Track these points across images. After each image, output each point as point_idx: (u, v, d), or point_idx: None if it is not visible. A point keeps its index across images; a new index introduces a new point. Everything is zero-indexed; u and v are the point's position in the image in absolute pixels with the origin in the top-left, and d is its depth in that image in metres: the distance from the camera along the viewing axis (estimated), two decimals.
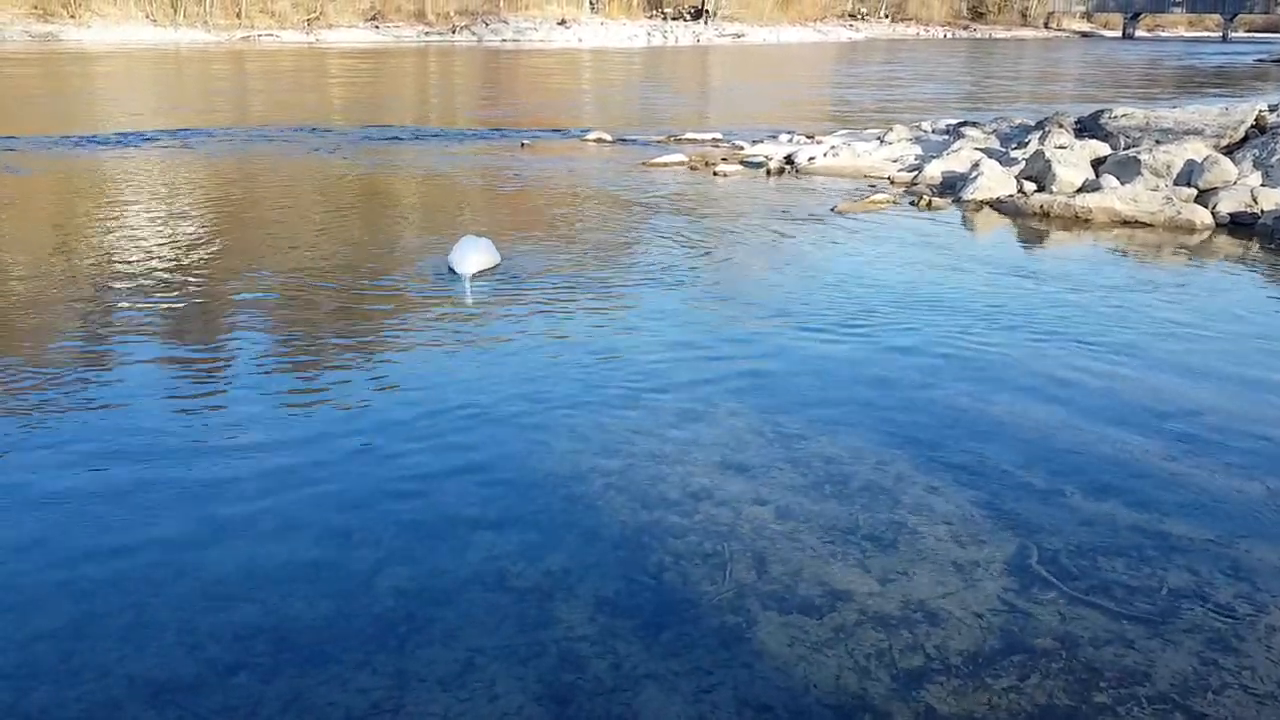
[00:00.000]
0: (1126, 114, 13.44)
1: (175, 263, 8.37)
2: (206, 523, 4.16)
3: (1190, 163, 11.11)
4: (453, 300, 7.41)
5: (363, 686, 3.18)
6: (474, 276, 7.81)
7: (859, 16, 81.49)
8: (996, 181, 11.57)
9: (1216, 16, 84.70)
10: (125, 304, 7.21)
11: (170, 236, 9.38)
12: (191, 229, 9.80)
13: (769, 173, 13.60)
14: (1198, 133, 12.24)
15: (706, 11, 68.41)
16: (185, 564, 3.85)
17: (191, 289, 7.62)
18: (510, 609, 3.59)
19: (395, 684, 3.19)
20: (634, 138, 17.26)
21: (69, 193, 12.20)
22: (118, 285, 7.69)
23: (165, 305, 7.21)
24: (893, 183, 12.80)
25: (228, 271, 8.17)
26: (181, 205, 11.15)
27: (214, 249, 8.97)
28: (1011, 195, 11.36)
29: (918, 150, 14.30)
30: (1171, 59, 51.83)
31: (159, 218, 10.31)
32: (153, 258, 8.53)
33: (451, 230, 9.38)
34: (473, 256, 7.93)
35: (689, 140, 16.97)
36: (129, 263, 8.37)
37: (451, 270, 7.85)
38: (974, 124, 16.09)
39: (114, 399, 5.46)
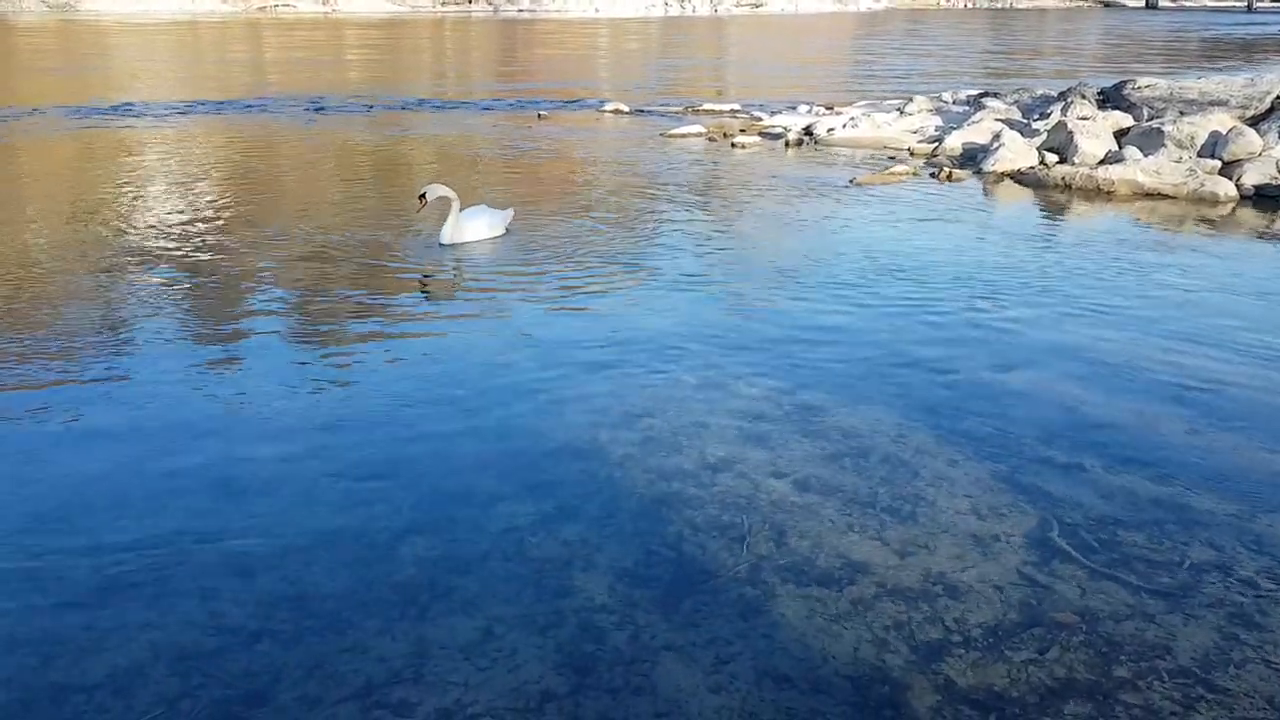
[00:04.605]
0: (1150, 85, 13.29)
1: (193, 234, 8.38)
2: (228, 491, 4.18)
3: (1215, 134, 10.98)
4: (457, 271, 7.43)
5: (383, 654, 3.20)
6: (472, 244, 7.98)
7: None
8: (1018, 153, 11.46)
9: None
10: (144, 273, 7.23)
11: (187, 206, 9.39)
12: (209, 199, 9.80)
13: (788, 144, 13.50)
14: (1222, 104, 12.09)
15: None
16: (207, 532, 3.87)
17: (208, 261, 7.63)
18: (530, 578, 3.60)
19: (415, 652, 3.21)
20: (651, 109, 17.17)
21: (88, 161, 12.22)
22: (137, 255, 7.70)
23: (182, 276, 7.22)
24: (913, 154, 12.69)
25: (245, 244, 8.17)
26: (199, 175, 11.15)
27: (231, 219, 8.98)
28: (1033, 167, 11.25)
29: (938, 121, 14.18)
30: (1196, 29, 51.11)
31: (177, 187, 10.32)
32: (169, 227, 8.54)
33: (468, 201, 9.34)
34: (465, 228, 8.02)
35: (707, 111, 16.87)
36: (148, 232, 8.39)
37: (443, 245, 7.97)
38: (995, 95, 15.91)
39: (134, 368, 5.48)
